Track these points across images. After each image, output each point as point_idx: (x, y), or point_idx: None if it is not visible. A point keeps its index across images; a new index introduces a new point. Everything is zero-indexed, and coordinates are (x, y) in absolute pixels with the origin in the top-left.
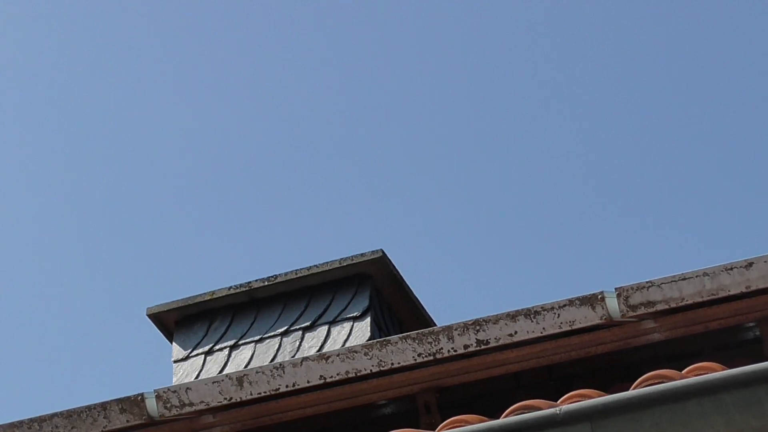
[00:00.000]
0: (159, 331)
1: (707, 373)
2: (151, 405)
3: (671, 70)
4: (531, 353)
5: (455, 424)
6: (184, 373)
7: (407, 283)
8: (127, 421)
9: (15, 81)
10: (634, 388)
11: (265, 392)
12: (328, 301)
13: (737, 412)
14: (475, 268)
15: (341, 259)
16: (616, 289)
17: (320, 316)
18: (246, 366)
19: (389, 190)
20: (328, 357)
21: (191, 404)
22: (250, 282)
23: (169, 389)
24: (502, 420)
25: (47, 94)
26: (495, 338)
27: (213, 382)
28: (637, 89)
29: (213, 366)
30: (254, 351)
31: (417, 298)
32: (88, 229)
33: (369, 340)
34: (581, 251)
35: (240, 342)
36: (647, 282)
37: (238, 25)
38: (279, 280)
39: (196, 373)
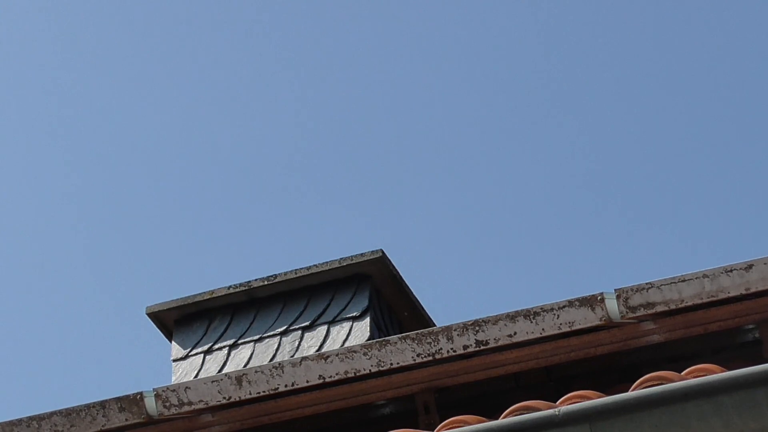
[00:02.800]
0: (158, 330)
1: (706, 375)
2: (150, 404)
3: (672, 72)
4: (530, 354)
5: (454, 425)
6: (183, 372)
7: (407, 283)
8: (126, 419)
9: (15, 80)
10: (633, 390)
11: (264, 392)
12: (328, 301)
13: (736, 414)
14: (475, 269)
15: (341, 259)
16: (615, 290)
17: (320, 316)
18: (245, 365)
19: (389, 190)
20: (328, 357)
21: (190, 403)
22: (249, 281)
23: (168, 388)
24: (501, 420)
25: (47, 94)
26: (494, 339)
27: (212, 382)
28: (637, 90)
29: (212, 365)
30: (253, 350)
31: (416, 299)
32: (87, 228)
33: (368, 340)
34: (581, 252)
35: (239, 341)
36: (647, 283)
37: (239, 25)
38: (278, 279)
39: (195, 372)
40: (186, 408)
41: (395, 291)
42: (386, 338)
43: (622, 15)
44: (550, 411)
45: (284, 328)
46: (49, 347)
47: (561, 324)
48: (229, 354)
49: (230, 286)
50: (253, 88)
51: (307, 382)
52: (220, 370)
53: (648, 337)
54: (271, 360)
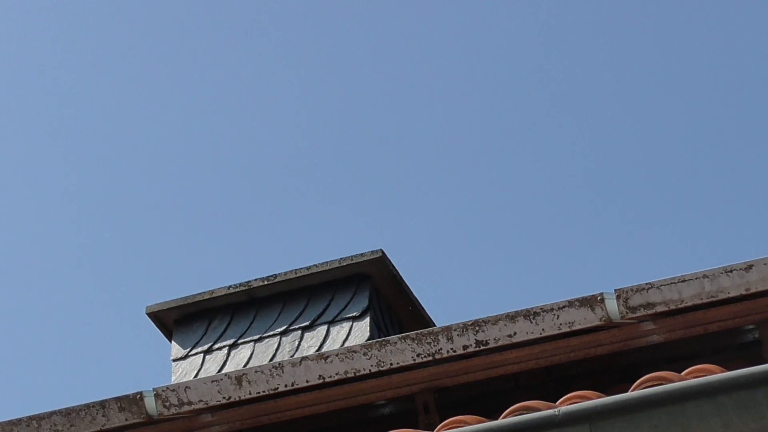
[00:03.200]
0: (158, 330)
1: (706, 375)
2: (150, 404)
3: (672, 72)
4: (530, 354)
5: (454, 425)
6: (183, 372)
7: (407, 283)
8: (126, 419)
9: (15, 80)
10: (633, 390)
11: (263, 391)
12: (328, 301)
13: (736, 415)
14: (475, 269)
15: (341, 258)
16: (615, 290)
17: (319, 316)
18: (245, 365)
19: (389, 190)
20: (327, 357)
21: (190, 403)
22: (249, 281)
23: (168, 388)
24: (501, 421)
25: (47, 94)
26: (494, 339)
27: (212, 381)
28: (637, 90)
29: (212, 365)
30: (253, 350)
31: (416, 299)
32: (87, 228)
33: (368, 340)
34: (581, 253)
35: (239, 341)
36: (647, 284)
37: (239, 25)
38: (278, 279)
39: (195, 372)
40: (186, 408)
41: (395, 291)
42: (386, 338)
43: (622, 15)
44: (550, 411)
45: (284, 328)
46: (49, 347)
47: (561, 324)
48: (229, 354)
49: (230, 286)
50: (253, 88)
51: (307, 382)
52: (219, 370)
53: (648, 338)
54: (271, 360)
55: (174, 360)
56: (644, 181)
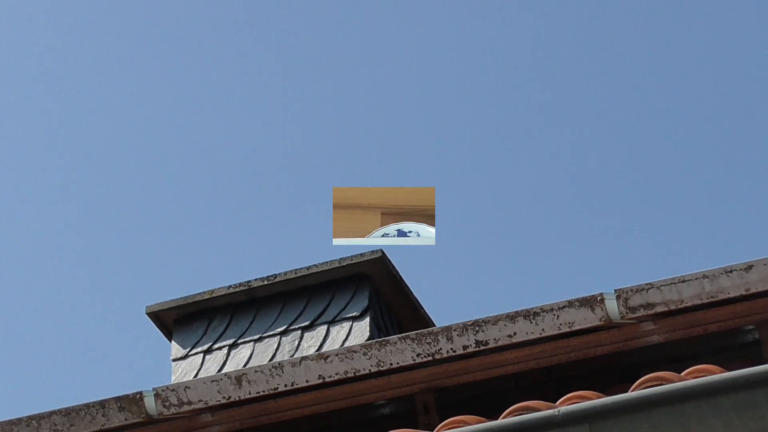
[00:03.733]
0: (158, 330)
1: (706, 376)
2: (150, 403)
3: (671, 71)
4: (530, 354)
5: (454, 425)
6: (183, 372)
7: (406, 283)
8: (126, 419)
9: (14, 79)
10: (632, 390)
11: (263, 391)
12: (328, 301)
13: (735, 415)
14: (475, 269)
15: (340, 258)
16: (615, 290)
17: (319, 316)
18: (245, 365)
19: None
20: (327, 357)
21: (190, 403)
22: (249, 281)
23: (167, 388)
24: (501, 421)
25: (46, 93)
26: (494, 339)
27: (212, 381)
28: (637, 90)
29: (212, 365)
30: (253, 350)
31: (416, 299)
32: (87, 228)
33: (368, 340)
34: (581, 253)
35: (239, 341)
36: (647, 284)
37: (238, 25)
38: (278, 279)
39: (195, 371)
40: (186, 408)
41: (395, 291)
42: (386, 338)
43: (621, 16)
44: (550, 411)
45: (284, 328)
46: (49, 347)
47: (561, 324)
48: (228, 354)
49: (230, 286)
50: (252, 88)
51: (307, 382)
52: (219, 370)
53: (648, 338)
54: (271, 360)
55: (174, 360)
56: (644, 181)
